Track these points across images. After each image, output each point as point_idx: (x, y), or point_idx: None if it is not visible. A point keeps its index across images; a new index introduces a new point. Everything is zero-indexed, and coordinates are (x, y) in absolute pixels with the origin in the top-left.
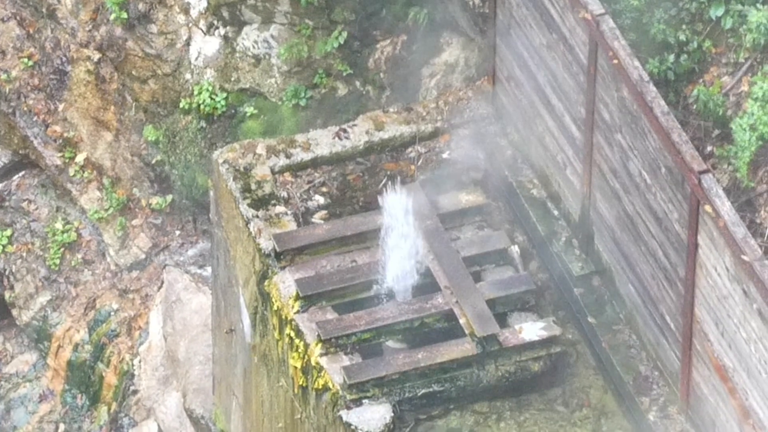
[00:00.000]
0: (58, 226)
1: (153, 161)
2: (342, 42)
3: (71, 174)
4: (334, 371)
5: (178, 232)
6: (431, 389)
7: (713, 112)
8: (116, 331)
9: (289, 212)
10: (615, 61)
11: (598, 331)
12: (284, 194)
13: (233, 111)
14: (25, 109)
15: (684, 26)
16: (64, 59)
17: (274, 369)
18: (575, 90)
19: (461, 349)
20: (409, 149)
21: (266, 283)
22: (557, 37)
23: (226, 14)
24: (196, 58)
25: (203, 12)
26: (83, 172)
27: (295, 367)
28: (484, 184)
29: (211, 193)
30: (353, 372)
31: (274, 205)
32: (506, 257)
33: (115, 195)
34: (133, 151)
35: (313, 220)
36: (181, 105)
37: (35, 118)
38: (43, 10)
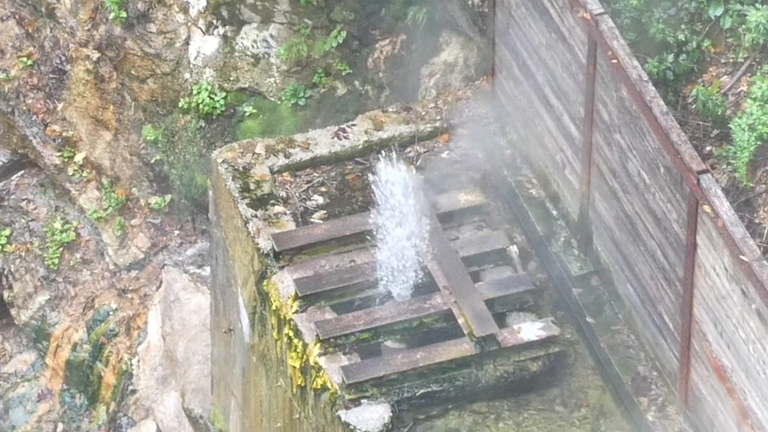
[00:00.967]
0: (57, 225)
1: (152, 161)
2: (341, 41)
3: (70, 173)
4: (332, 371)
5: (176, 232)
6: (430, 389)
7: (712, 111)
8: (115, 330)
9: (287, 212)
10: (614, 61)
11: (597, 331)
12: (283, 194)
13: (232, 110)
14: (24, 108)
15: (683, 26)
16: (63, 58)
17: (273, 369)
18: (574, 89)
19: (460, 349)
20: (408, 149)
21: (265, 282)
22: (556, 37)
23: (225, 13)
24: (195, 58)
25: (202, 11)
26: (82, 171)
27: (294, 367)
28: (483, 184)
29: (210, 192)
30: (352, 372)
31: (273, 204)
32: (505, 257)
33: (114, 194)
34: (132, 151)
35: (311, 219)
36: (180, 104)
37: (34, 118)
38: (42, 9)
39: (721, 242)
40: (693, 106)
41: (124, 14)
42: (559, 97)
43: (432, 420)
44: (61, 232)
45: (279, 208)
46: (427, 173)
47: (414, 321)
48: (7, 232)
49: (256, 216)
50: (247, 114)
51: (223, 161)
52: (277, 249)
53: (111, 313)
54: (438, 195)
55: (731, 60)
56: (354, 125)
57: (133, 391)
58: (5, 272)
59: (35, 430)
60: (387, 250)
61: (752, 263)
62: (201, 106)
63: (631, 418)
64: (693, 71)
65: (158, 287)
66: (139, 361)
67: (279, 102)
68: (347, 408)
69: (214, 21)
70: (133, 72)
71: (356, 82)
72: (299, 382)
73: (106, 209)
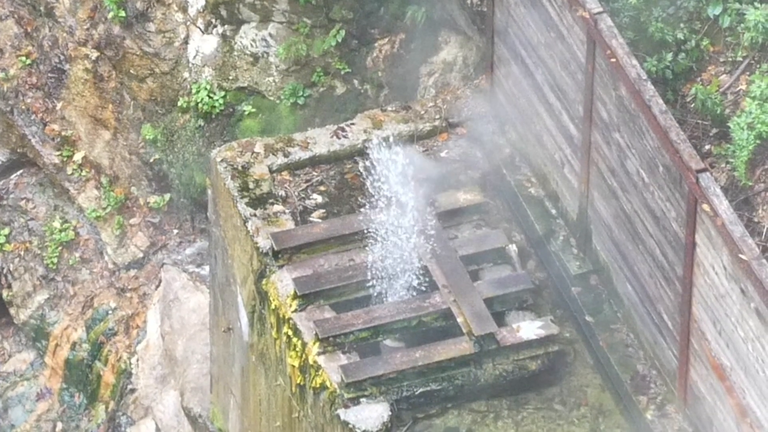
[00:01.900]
0: (56, 224)
1: (151, 160)
2: (340, 40)
3: (69, 173)
4: (331, 370)
5: (176, 231)
6: (429, 388)
7: (711, 110)
8: (114, 329)
9: (287, 211)
10: (613, 60)
11: (596, 330)
12: (282, 193)
13: (231, 109)
14: (23, 107)
15: (682, 24)
16: (62, 57)
17: (272, 368)
18: (573, 88)
19: (459, 347)
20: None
21: (264, 281)
22: (555, 36)
23: (224, 13)
24: (194, 57)
25: (201, 10)
26: (81, 170)
27: (293, 366)
28: (482, 183)
29: (209, 191)
30: (351, 371)
31: (272, 203)
32: (504, 256)
33: (113, 194)
34: (131, 150)
35: (311, 218)
36: (179, 103)
37: (33, 117)
38: (41, 8)
39: (720, 241)
40: (692, 105)
41: (122, 13)
42: (558, 95)
43: (431, 419)
44: (60, 231)
45: (278, 207)
46: (426, 172)
47: (413, 320)
48: (6, 231)
49: (255, 215)
50: (246, 113)
51: (222, 160)
52: (276, 248)
53: (110, 312)
54: (437, 194)
55: (730, 59)
56: (353, 124)
57: (132, 390)
58: (4, 271)
59: (34, 429)
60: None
61: (751, 262)
62: (200, 105)
63: (630, 417)
64: (692, 70)
65: (157, 286)
66: (138, 360)
67: (278, 101)
68: (346, 407)
69: (213, 20)
70: (132, 71)
71: (355, 81)
72: (298, 381)
73: (105, 208)
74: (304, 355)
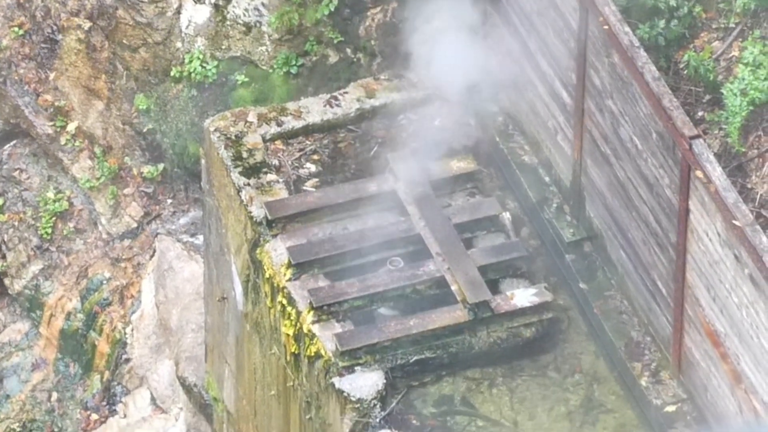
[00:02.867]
0: (50, 195)
1: (144, 130)
2: (333, 9)
3: (63, 143)
4: (326, 338)
5: (169, 201)
6: (423, 356)
7: (704, 77)
8: (108, 299)
9: (280, 180)
10: (605, 27)
11: (590, 297)
12: (276, 162)
13: (224, 79)
14: (16, 78)
15: None
16: (54, 28)
17: (267, 337)
18: (566, 56)
19: (453, 315)
20: (401, 116)
21: (258, 250)
22: (548, 3)
23: None
24: (187, 27)
25: None
26: (74, 141)
27: (288, 335)
28: (475, 151)
29: (203, 161)
30: (345, 339)
31: (266, 173)
32: (498, 224)
33: (107, 164)
34: (124, 120)
35: (304, 187)
36: (172, 73)
37: (26, 87)
38: None
39: (713, 207)
40: (685, 72)
41: None
42: (550, 63)
43: (425, 387)
44: (54, 201)
45: (271, 176)
46: (419, 141)
47: (407, 288)
48: (0, 201)
49: (248, 184)
50: (239, 82)
51: (215, 130)
52: (269, 217)
53: (104, 282)
54: (430, 162)
55: (723, 25)
56: (346, 93)
57: (127, 360)
58: None
59: (29, 399)
60: None
61: (745, 228)
62: (193, 74)
63: (625, 384)
64: (684, 37)
65: (151, 256)
66: (132, 330)
67: (271, 70)
68: (341, 375)
69: None
70: (124, 41)
71: (348, 50)
72: (293, 350)
73: (98, 178)
74: (298, 324)
